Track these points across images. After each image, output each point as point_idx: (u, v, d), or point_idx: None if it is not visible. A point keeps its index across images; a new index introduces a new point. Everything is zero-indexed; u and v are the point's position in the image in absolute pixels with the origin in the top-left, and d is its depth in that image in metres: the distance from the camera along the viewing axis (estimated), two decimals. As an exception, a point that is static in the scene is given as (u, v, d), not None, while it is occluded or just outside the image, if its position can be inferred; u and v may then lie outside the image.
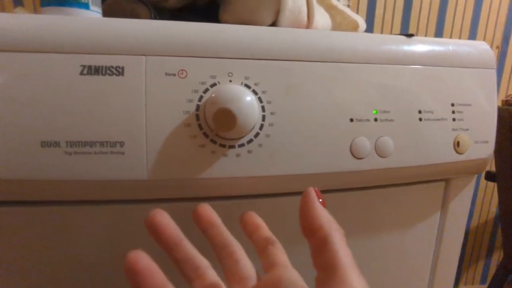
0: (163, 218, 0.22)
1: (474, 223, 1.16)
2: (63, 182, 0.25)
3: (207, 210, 0.24)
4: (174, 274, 0.21)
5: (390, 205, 0.35)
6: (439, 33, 0.99)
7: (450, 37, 1.00)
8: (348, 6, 1.00)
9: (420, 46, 0.33)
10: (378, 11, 0.95)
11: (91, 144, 0.25)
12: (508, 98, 0.82)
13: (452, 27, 0.99)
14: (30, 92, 0.24)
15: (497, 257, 1.22)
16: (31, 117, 0.24)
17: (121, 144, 0.25)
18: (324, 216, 0.21)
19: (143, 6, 0.43)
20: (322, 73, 0.29)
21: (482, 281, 1.23)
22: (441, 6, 0.97)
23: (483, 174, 1.10)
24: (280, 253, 0.22)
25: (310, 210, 0.21)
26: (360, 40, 0.31)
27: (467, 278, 1.22)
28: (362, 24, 0.60)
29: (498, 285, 0.95)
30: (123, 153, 0.25)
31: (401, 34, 0.34)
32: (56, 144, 0.24)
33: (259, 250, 0.23)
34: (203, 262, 0.21)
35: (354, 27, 0.60)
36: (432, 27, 0.98)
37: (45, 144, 0.24)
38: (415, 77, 0.32)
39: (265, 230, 0.24)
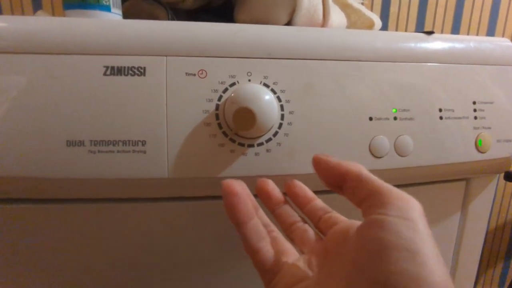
0: (271, 185, 0.26)
1: (492, 225, 1.14)
2: (87, 181, 0.25)
3: (274, 190, 0.26)
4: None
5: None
6: (455, 30, 0.97)
7: (468, 34, 0.98)
8: (363, 4, 0.99)
9: (440, 43, 0.32)
10: (393, 8, 0.94)
11: (114, 143, 0.25)
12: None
13: (470, 23, 0.96)
14: (55, 93, 0.25)
15: (516, 260, 1.18)
16: (56, 117, 0.25)
17: (143, 143, 0.25)
18: (345, 162, 0.22)
19: (161, 7, 0.44)
20: (340, 72, 0.29)
21: (501, 285, 1.20)
22: (458, 2, 0.95)
23: (502, 174, 1.08)
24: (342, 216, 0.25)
25: (329, 164, 0.23)
26: (379, 38, 0.31)
27: (485, 281, 1.20)
28: (378, 22, 0.60)
29: (518, 288, 0.92)
30: (144, 152, 0.25)
31: (420, 31, 0.34)
32: (81, 143, 0.25)
33: (315, 219, 0.25)
34: (296, 217, 0.26)
35: (370, 25, 0.59)
36: (449, 24, 0.96)
37: (70, 143, 0.25)
38: (435, 75, 0.31)
39: (319, 201, 0.26)
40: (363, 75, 0.29)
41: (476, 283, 1.19)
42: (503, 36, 0.99)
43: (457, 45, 0.33)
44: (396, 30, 0.95)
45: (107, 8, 0.32)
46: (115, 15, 0.33)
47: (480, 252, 0.40)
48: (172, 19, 0.43)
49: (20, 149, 0.24)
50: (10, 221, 0.27)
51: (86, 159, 0.25)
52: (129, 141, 0.25)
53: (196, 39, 0.27)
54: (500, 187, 1.10)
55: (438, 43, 0.32)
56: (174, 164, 0.26)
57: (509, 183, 1.10)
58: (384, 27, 0.94)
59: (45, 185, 0.25)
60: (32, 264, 0.29)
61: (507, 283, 1.14)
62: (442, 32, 0.97)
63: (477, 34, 0.98)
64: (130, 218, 0.29)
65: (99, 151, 0.25)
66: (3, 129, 0.24)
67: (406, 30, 0.96)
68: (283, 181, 0.27)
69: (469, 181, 0.36)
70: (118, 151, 0.25)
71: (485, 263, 1.18)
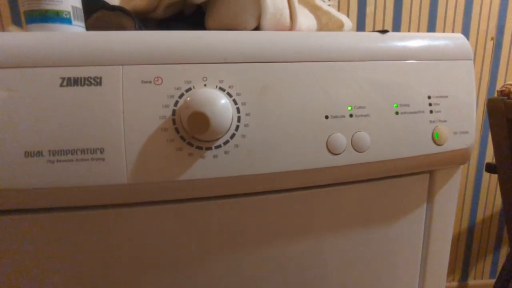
0: None
1: (479, 217, 1.15)
2: (47, 190, 0.26)
3: None
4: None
5: (376, 198, 0.35)
6: (431, 28, 0.99)
7: (444, 32, 1.00)
8: (337, 6, 1.01)
9: (395, 42, 0.34)
10: (369, 9, 0.96)
11: (73, 152, 0.26)
12: (503, 89, 0.82)
13: (445, 21, 0.99)
14: (12, 105, 0.25)
15: (505, 251, 1.20)
16: (14, 128, 0.25)
17: (101, 150, 0.26)
18: None
19: (129, 18, 0.44)
20: (295, 73, 0.30)
21: (492, 275, 1.21)
22: (432, 1, 0.97)
23: (484, 166, 1.09)
24: None
25: None
26: (334, 39, 0.32)
27: (476, 273, 1.21)
28: (348, 23, 0.61)
29: (506, 278, 0.93)
30: (103, 159, 0.26)
31: (375, 30, 0.35)
32: (39, 153, 0.25)
33: None
34: None
35: (340, 26, 0.60)
36: (424, 22, 0.98)
37: (28, 154, 0.25)
38: (391, 72, 0.32)
39: None
40: (317, 75, 0.30)
41: (467, 275, 1.20)
42: (478, 31, 1.01)
43: (411, 43, 0.34)
44: (373, 30, 0.97)
45: (68, 21, 0.33)
46: (77, 27, 0.34)
47: (450, 242, 0.40)
48: (140, 28, 0.44)
49: (-21, 162, 0.25)
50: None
51: (45, 169, 0.25)
52: (87, 149, 0.26)
53: (151, 47, 0.28)
54: (485, 180, 1.11)
55: (392, 42, 0.33)
56: (133, 170, 0.26)
57: (493, 175, 1.12)
58: (361, 27, 0.96)
59: (5, 196, 0.26)
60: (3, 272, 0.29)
61: (497, 274, 1.15)
62: (418, 30, 0.99)
63: (452, 31, 1.00)
64: (91, 226, 0.29)
65: (58, 161, 0.26)
66: (-39, 143, 0.25)
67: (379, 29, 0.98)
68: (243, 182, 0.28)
69: (433, 173, 0.37)
70: (77, 160, 0.26)
71: (475, 255, 1.19)
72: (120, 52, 0.27)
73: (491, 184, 1.13)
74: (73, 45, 0.27)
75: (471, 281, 1.21)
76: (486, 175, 1.11)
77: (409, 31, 0.98)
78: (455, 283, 1.20)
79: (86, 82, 0.26)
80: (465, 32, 1.00)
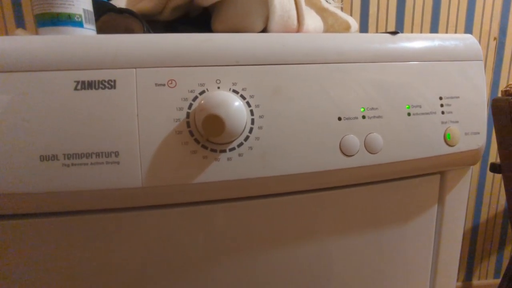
0: None
1: (483, 216, 1.15)
2: (62, 194, 0.26)
3: None
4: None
5: (387, 199, 0.35)
6: (434, 28, 0.99)
7: (446, 32, 1.00)
8: (341, 8, 1.01)
9: (406, 43, 0.34)
10: (372, 10, 0.96)
11: (88, 155, 0.26)
12: (508, 88, 0.82)
13: (447, 21, 0.99)
14: (27, 109, 0.25)
15: (510, 250, 1.20)
16: (29, 132, 0.25)
17: (116, 154, 0.26)
18: None
19: (137, 20, 0.44)
20: (308, 75, 0.30)
21: (496, 275, 1.21)
22: (435, 1, 0.97)
23: (488, 166, 1.09)
24: None
25: None
26: (345, 41, 0.32)
27: (480, 272, 1.20)
28: (354, 24, 0.61)
29: (511, 278, 0.93)
30: (118, 163, 0.26)
31: (386, 32, 0.35)
32: (54, 157, 0.25)
33: None
34: None
35: (346, 28, 0.61)
36: (427, 23, 0.98)
37: (43, 158, 0.25)
38: (402, 73, 0.32)
39: None
40: (330, 77, 0.30)
41: (472, 275, 1.20)
42: (480, 31, 1.01)
43: (422, 44, 0.34)
44: (377, 30, 0.97)
45: (80, 24, 0.33)
46: (88, 30, 0.34)
47: (460, 243, 0.40)
48: (148, 31, 0.44)
49: (-6, 166, 0.25)
50: (-11, 238, 0.28)
51: (60, 173, 0.25)
52: (102, 152, 0.26)
53: (164, 50, 0.28)
54: (488, 179, 1.11)
55: (403, 43, 0.33)
56: (147, 173, 0.26)
57: (497, 175, 1.12)
58: (364, 29, 0.96)
59: (20, 200, 0.26)
60: (14, 279, 0.29)
61: (501, 273, 1.15)
62: (421, 30, 0.99)
63: (455, 31, 1.01)
64: (106, 229, 0.29)
65: (73, 164, 0.25)
66: (-24, 147, 0.25)
67: (386, 30, 0.98)
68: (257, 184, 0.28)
69: (444, 174, 0.37)
70: (91, 163, 0.26)
71: (479, 255, 1.19)
72: (134, 55, 0.27)
73: (495, 184, 1.13)
74: (87, 49, 0.27)
75: (475, 281, 1.20)
76: (490, 174, 1.11)
77: (412, 31, 0.99)
78: (459, 283, 1.20)
79: (101, 85, 0.26)
80: (468, 32, 1.00)
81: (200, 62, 0.28)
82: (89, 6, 0.34)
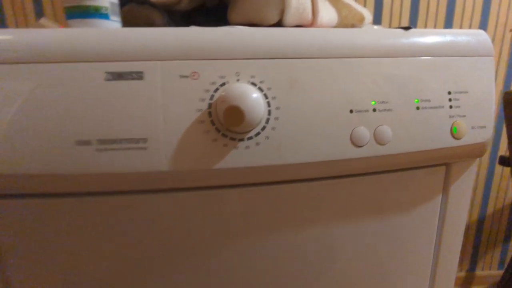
0: None
1: (490, 209, 1.16)
2: (95, 176, 0.28)
3: None
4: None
5: (393, 189, 0.37)
6: (449, 21, 0.98)
7: (461, 25, 0.99)
8: (355, -3, 1.00)
9: (418, 38, 0.35)
10: (386, 0, 0.95)
11: (118, 141, 0.28)
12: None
13: (463, 12, 0.98)
14: (63, 98, 0.28)
15: (515, 243, 1.21)
16: (65, 120, 0.28)
17: (144, 140, 0.28)
18: None
19: (157, 11, 0.46)
20: (322, 69, 0.31)
21: (500, 267, 1.23)
22: (451, -8, 0.96)
23: (497, 159, 1.10)
24: None
25: None
26: (358, 36, 0.33)
27: (484, 263, 1.22)
28: (368, 16, 0.62)
29: (514, 269, 0.95)
30: (145, 148, 0.28)
31: (400, 27, 0.36)
32: (88, 142, 0.28)
33: None
34: None
35: (360, 19, 0.61)
36: (442, 14, 0.97)
37: (79, 143, 0.28)
38: (413, 68, 0.34)
39: None
40: (343, 71, 0.32)
41: (476, 265, 1.22)
42: (496, 24, 1.00)
43: (434, 39, 0.35)
44: (390, 22, 0.97)
45: (106, 16, 0.35)
46: (114, 22, 0.36)
47: (463, 231, 0.42)
48: (168, 22, 0.46)
49: (34, 149, 0.27)
50: (27, 215, 0.30)
51: (93, 157, 0.28)
52: (131, 139, 0.28)
53: (188, 44, 0.29)
54: (497, 172, 1.12)
55: (415, 38, 0.35)
56: (172, 158, 0.29)
57: (506, 168, 1.12)
58: (378, 20, 0.96)
59: (58, 181, 0.28)
60: (47, 254, 0.32)
61: (505, 265, 1.17)
62: (436, 22, 0.98)
63: (470, 25, 0.99)
64: (134, 209, 0.32)
65: (105, 149, 0.28)
66: (18, 132, 0.27)
67: (399, 22, 0.97)
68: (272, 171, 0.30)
69: (449, 166, 0.38)
70: (122, 148, 0.28)
71: (484, 246, 1.20)
72: (160, 48, 0.29)
73: (504, 177, 1.13)
74: (116, 41, 0.29)
75: (478, 272, 1.22)
76: (498, 167, 1.11)
77: (426, 23, 0.98)
78: (462, 273, 1.22)
79: (129, 76, 0.28)
80: (484, 23, 0.99)
81: (221, 55, 0.30)
82: (115, -1, 0.36)
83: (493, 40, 1.01)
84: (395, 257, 0.40)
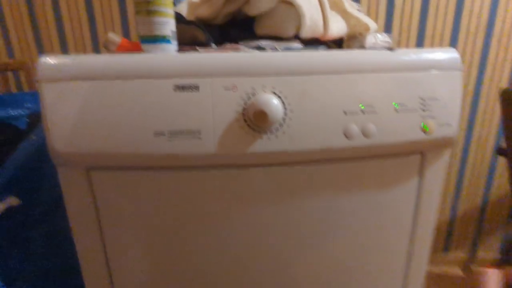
0: None
1: (492, 198, 1.24)
2: (166, 155, 0.42)
3: None
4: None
5: (376, 171, 0.49)
6: (456, 27, 1.05)
7: (468, 30, 1.06)
8: (367, 10, 1.09)
9: (399, 57, 0.46)
10: (396, 14, 1.04)
11: (183, 133, 0.42)
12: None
13: (469, 23, 1.05)
14: (146, 104, 0.41)
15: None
16: (147, 118, 0.41)
17: (199, 132, 0.42)
18: None
19: (200, 29, 0.59)
20: (324, 82, 0.43)
21: (501, 251, 1.32)
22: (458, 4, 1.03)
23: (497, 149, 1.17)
24: None
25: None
26: (353, 56, 0.45)
27: (485, 248, 1.31)
28: (373, 26, 0.73)
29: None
30: (200, 138, 0.42)
31: (386, 48, 0.47)
32: (162, 133, 0.42)
33: None
34: None
35: (366, 29, 0.72)
36: (450, 22, 1.05)
37: (156, 134, 0.41)
38: (394, 80, 0.45)
39: None
40: (340, 83, 0.44)
41: (476, 249, 1.31)
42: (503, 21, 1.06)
43: (413, 57, 0.46)
44: (401, 25, 1.05)
45: (169, 41, 0.48)
46: (174, 45, 0.49)
47: (437, 209, 0.54)
48: (209, 39, 0.59)
49: (128, 137, 0.41)
50: (121, 184, 0.45)
51: (167, 143, 0.42)
52: (190, 131, 0.42)
53: (230, 66, 0.42)
54: (500, 163, 1.20)
55: (397, 57, 0.46)
56: (218, 144, 0.42)
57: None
58: (389, 27, 1.05)
59: (142, 159, 0.42)
60: (131, 216, 0.46)
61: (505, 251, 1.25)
62: (443, 29, 1.06)
63: (476, 31, 1.06)
64: (191, 178, 0.46)
65: (173, 139, 0.42)
66: (119, 126, 0.41)
67: (409, 31, 1.06)
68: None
69: (424, 154, 0.50)
70: (185, 138, 0.42)
71: (486, 232, 1.29)
72: (211, 69, 0.42)
73: (506, 168, 1.21)
74: (181, 64, 0.42)
75: (480, 253, 1.32)
76: (501, 159, 1.19)
77: (434, 30, 1.06)
78: (464, 255, 1.32)
79: (189, 88, 0.42)
80: (487, 34, 1.06)
81: (253, 74, 0.42)
82: (174, 27, 0.49)
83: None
84: (377, 231, 0.52)
